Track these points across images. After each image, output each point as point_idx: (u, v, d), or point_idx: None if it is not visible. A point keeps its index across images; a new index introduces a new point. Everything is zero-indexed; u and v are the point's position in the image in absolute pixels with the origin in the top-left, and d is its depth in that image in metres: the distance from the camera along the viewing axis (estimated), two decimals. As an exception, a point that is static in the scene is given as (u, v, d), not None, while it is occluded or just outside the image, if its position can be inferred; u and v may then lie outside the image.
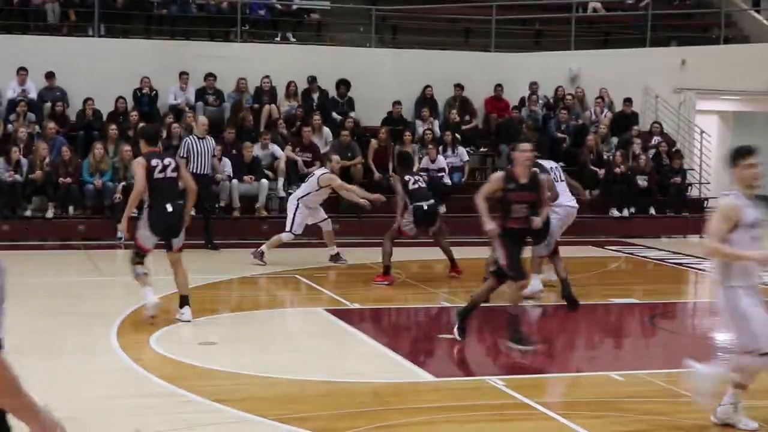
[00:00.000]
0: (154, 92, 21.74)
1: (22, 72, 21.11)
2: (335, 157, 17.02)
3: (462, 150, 21.68)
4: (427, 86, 23.17)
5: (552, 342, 11.94)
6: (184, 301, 11.92)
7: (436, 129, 22.24)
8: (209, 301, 13.44)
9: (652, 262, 18.25)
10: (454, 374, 10.37)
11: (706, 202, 23.80)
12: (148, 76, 21.70)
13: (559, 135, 22.72)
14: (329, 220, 17.08)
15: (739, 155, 7.82)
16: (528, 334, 10.96)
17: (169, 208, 11.65)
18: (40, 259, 17.84)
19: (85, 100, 21.04)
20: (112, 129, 19.87)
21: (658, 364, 10.47)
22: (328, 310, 12.88)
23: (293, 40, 24.34)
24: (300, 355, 10.66)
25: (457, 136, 21.87)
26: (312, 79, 22.45)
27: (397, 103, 22.60)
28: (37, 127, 20.17)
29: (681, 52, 25.18)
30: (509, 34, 25.54)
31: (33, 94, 21.15)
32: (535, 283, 13.99)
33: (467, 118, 23.16)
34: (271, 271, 16.06)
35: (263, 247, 16.51)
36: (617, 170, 21.74)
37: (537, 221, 10.77)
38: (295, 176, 20.05)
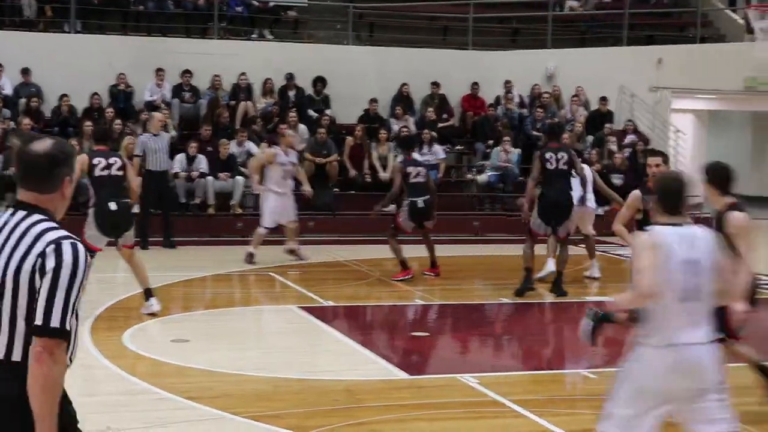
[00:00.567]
0: (130, 89, 21.68)
1: (-3, 68, 21.03)
2: (289, 132, 17.21)
3: (438, 148, 21.69)
4: (404, 84, 23.18)
5: (525, 339, 11.98)
6: (148, 293, 11.94)
7: (412, 127, 22.24)
8: (183, 299, 13.43)
9: (626, 260, 18.31)
10: (427, 372, 10.40)
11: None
12: (124, 72, 21.63)
13: (535, 133, 22.76)
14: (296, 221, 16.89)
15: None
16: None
17: (113, 206, 11.67)
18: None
19: (61, 97, 20.94)
20: (87, 125, 19.80)
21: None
22: (301, 308, 12.87)
23: (270, 37, 24.30)
24: (274, 353, 10.66)
25: (434, 134, 21.88)
26: (290, 77, 22.43)
27: (373, 100, 22.59)
28: (12, 123, 20.08)
29: (657, 51, 25.25)
30: (486, 32, 25.58)
31: (8, 90, 21.04)
32: (550, 264, 14.60)
33: (445, 116, 23.18)
34: (245, 268, 16.05)
35: (251, 249, 16.37)
36: (592, 168, 21.75)
37: None
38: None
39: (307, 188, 16.93)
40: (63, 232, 3.94)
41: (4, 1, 22.93)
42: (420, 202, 14.93)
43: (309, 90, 22.74)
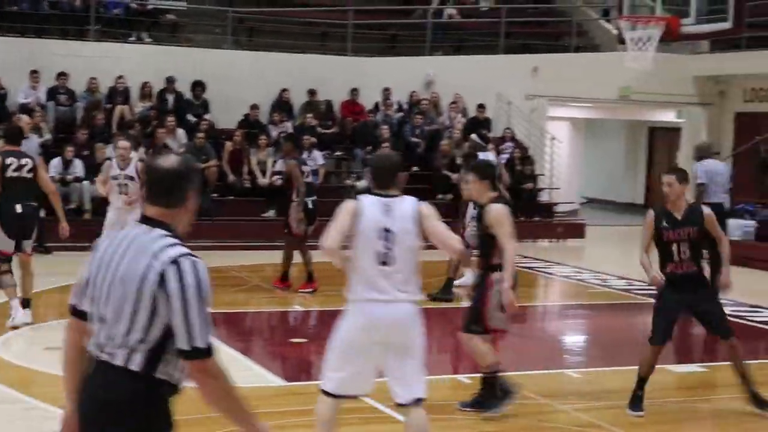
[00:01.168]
0: (4, 91, 21.23)
1: None
2: (121, 142, 14.26)
3: (317, 153, 21.67)
4: (284, 89, 23.16)
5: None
6: (26, 303, 11.73)
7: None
8: (56, 305, 13.19)
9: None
10: (304, 378, 10.39)
11: (556, 207, 24.34)
12: (-2, 73, 21.22)
13: (414, 139, 22.94)
14: None
15: None
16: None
17: (18, 209, 11.45)
18: None
19: (-69, 98, 20.45)
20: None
21: (508, 368, 10.65)
22: (179, 314, 12.73)
23: (149, 40, 24.05)
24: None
25: (313, 140, 21.87)
26: (170, 80, 22.21)
27: (254, 106, 22.52)
28: None
29: (533, 60, 25.63)
30: (366, 39, 25.69)
31: None
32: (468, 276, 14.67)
33: (329, 123, 23.10)
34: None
35: None
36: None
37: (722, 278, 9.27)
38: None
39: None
40: (182, 249, 4.01)
41: None
42: (310, 203, 14.59)
43: (188, 94, 22.57)
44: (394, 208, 6.40)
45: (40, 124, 19.64)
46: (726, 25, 19.64)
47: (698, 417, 9.39)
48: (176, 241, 4.04)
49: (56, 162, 19.18)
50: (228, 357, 10.67)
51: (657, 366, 9.07)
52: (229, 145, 21.13)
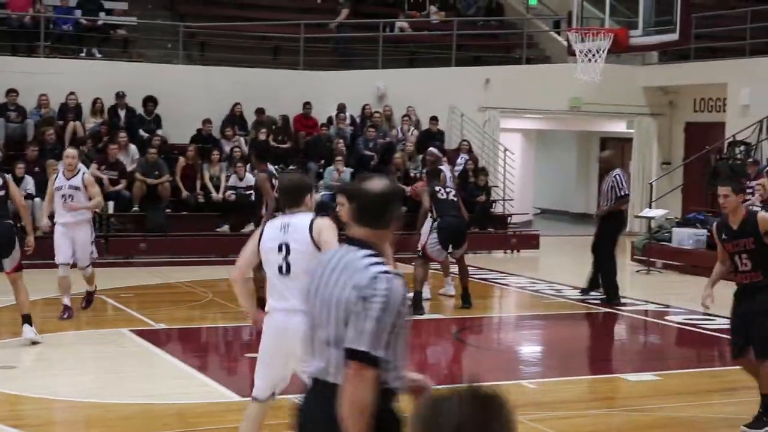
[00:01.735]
0: (-47, 107, 21.07)
1: None
2: (66, 152, 14.18)
3: (270, 168, 21.62)
4: (236, 104, 23.11)
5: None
6: (26, 319, 11.67)
7: (244, 147, 22.19)
8: (11, 323, 13.06)
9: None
10: (260, 393, 10.37)
11: (509, 218, 24.44)
12: (-54, 91, 21.02)
13: (367, 153, 22.97)
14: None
15: None
16: None
17: None
18: None
19: None
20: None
21: (464, 379, 10.68)
22: (133, 331, 12.70)
23: (99, 56, 23.90)
24: (104, 378, 10.50)
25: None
26: (122, 95, 22.09)
27: (206, 121, 22.44)
28: None
29: (485, 72, 25.75)
30: (318, 53, 25.70)
31: None
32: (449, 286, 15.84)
33: (283, 138, 23.01)
34: (76, 292, 15.69)
35: (65, 301, 13.69)
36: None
37: None
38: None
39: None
40: (384, 267, 4.25)
41: None
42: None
43: (140, 110, 22.45)
44: (291, 224, 6.86)
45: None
46: (673, 37, 19.80)
47: (652, 426, 9.45)
48: (379, 260, 4.28)
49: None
50: (183, 373, 10.64)
51: (611, 375, 9.12)
52: (181, 160, 21.05)
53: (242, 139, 22.53)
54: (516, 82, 25.46)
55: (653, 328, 14.73)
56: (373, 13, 27.58)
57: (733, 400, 9.88)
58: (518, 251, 23.14)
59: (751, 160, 20.77)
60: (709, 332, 13.72)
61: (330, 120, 23.91)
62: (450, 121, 25.13)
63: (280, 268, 6.80)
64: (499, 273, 19.25)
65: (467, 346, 13.38)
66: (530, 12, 29.78)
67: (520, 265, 21.36)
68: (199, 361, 11.51)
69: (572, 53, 20.85)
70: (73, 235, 13.39)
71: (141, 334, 12.55)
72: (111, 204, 19.88)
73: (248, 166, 21.36)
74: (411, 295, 14.45)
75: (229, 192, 20.67)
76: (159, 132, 21.99)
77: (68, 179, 13.32)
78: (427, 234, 14.77)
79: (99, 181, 19.80)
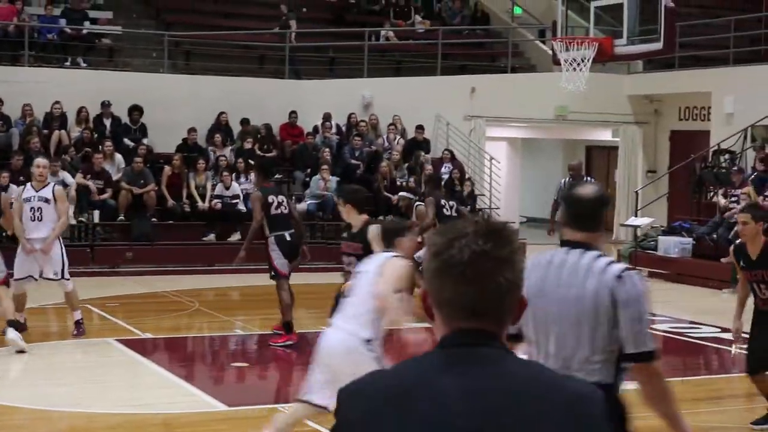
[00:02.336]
0: (-63, 117, 20.99)
1: None
2: (37, 160, 12.93)
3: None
4: (222, 113, 23.08)
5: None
6: (11, 324, 11.66)
7: (230, 156, 22.16)
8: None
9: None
10: (246, 402, 10.35)
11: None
12: (-70, 100, 20.95)
13: (353, 161, 22.96)
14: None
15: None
16: None
17: None
18: None
19: None
20: None
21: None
22: (119, 341, 12.67)
23: (84, 65, 23.87)
24: (89, 387, 10.46)
25: (251, 162, 21.80)
26: (107, 104, 22.04)
27: (192, 129, 22.41)
28: None
29: (470, 81, 25.78)
30: (304, 61, 25.71)
31: None
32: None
33: (269, 147, 22.98)
34: (60, 300, 15.62)
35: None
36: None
37: None
38: (87, 203, 19.70)
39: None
40: (622, 265, 4.57)
41: None
42: (287, 235, 12.87)
43: (125, 119, 22.42)
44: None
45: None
46: (658, 46, 19.86)
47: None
48: (612, 259, 4.56)
49: (-8, 188, 18.94)
50: (169, 382, 10.61)
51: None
52: (167, 169, 21.01)
53: (228, 149, 22.50)
54: (501, 90, 25.50)
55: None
56: (359, 21, 27.62)
57: (720, 408, 9.91)
58: (504, 260, 23.09)
59: (735, 168, 20.84)
60: (695, 341, 13.75)
61: (316, 129, 23.90)
62: (436, 129, 25.15)
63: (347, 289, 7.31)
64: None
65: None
66: (515, 21, 29.86)
67: (506, 274, 21.31)
68: (185, 370, 11.48)
69: (557, 62, 20.90)
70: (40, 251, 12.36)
71: (127, 343, 12.51)
72: (96, 213, 19.87)
73: (234, 174, 21.38)
74: None
75: (215, 201, 20.64)
76: (144, 141, 21.95)
77: (37, 190, 12.32)
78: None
79: (86, 189, 19.83)
